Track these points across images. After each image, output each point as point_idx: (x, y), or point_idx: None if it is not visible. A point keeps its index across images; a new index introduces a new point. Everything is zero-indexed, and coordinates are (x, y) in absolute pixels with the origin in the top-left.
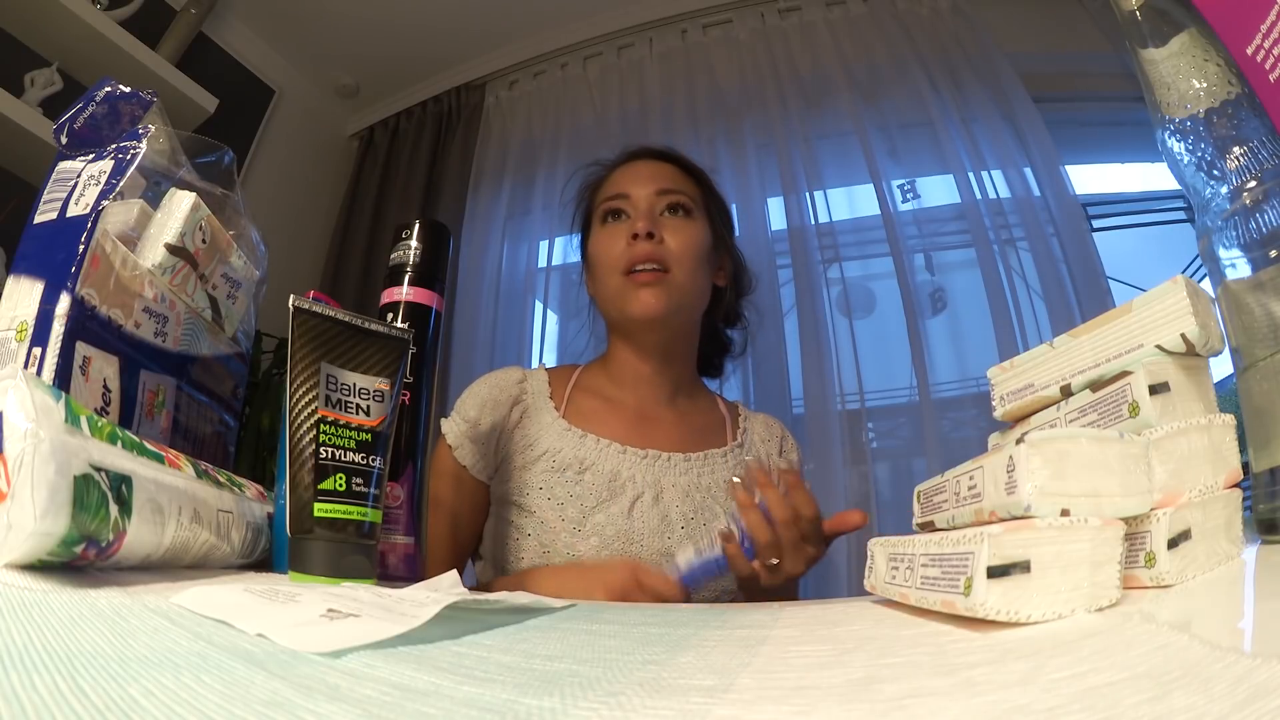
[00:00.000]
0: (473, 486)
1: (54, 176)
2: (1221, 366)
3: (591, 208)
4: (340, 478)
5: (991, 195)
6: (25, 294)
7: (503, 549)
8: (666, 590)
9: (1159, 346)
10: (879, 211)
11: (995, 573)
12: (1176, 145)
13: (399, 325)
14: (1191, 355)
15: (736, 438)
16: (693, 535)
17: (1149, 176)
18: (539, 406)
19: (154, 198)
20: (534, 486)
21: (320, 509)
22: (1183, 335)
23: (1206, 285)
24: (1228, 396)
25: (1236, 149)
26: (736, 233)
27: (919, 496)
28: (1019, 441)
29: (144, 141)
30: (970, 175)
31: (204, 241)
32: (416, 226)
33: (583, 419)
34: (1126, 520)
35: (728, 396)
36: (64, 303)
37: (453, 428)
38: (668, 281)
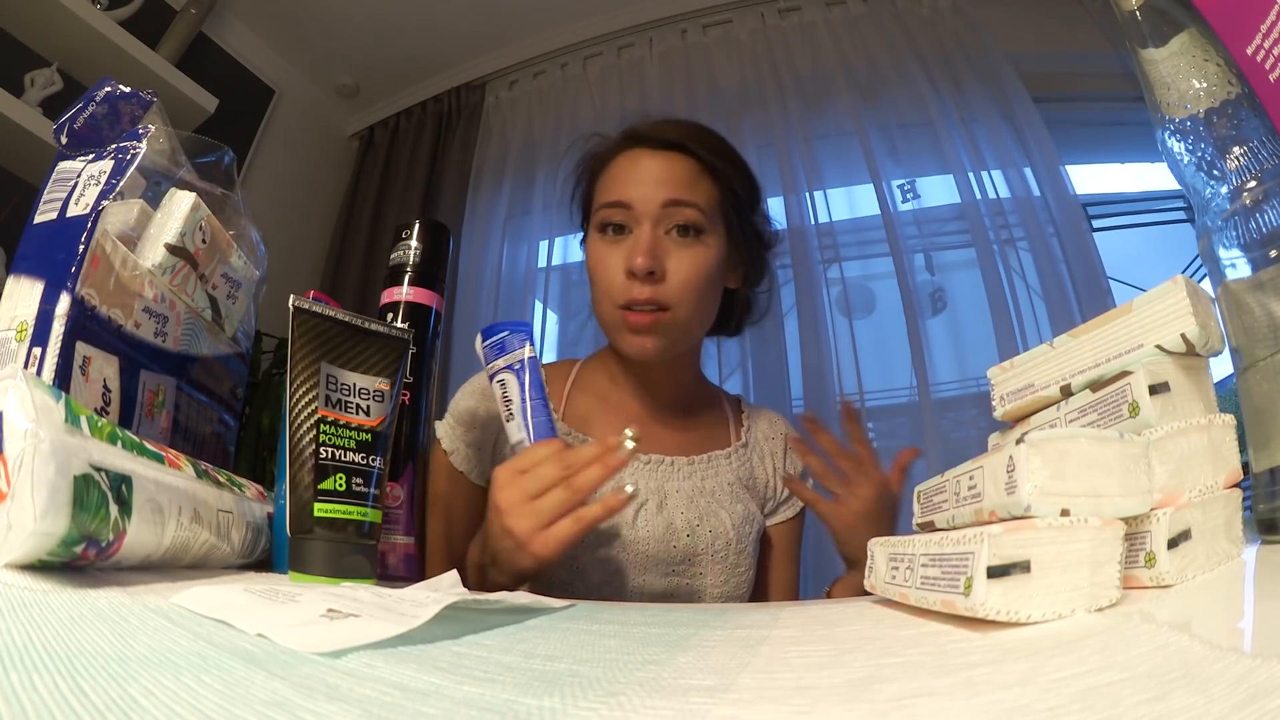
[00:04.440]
0: (469, 490)
1: (54, 176)
2: (1221, 366)
3: (590, 197)
4: (340, 478)
5: (991, 195)
6: (25, 294)
7: None
8: (541, 450)
9: (1159, 346)
10: (879, 211)
11: (995, 573)
12: (1176, 145)
13: (399, 325)
14: (1191, 355)
15: (741, 437)
16: (697, 543)
17: (1149, 176)
18: None
19: (154, 198)
20: None
21: (320, 509)
22: (1183, 335)
23: (1206, 285)
24: (1228, 396)
25: (1236, 149)
26: (761, 202)
27: (919, 496)
28: (1019, 441)
29: (144, 141)
30: (970, 175)
31: (204, 241)
32: (416, 226)
33: (582, 422)
34: (1126, 520)
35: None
36: (64, 303)
37: (447, 431)
38: (665, 323)
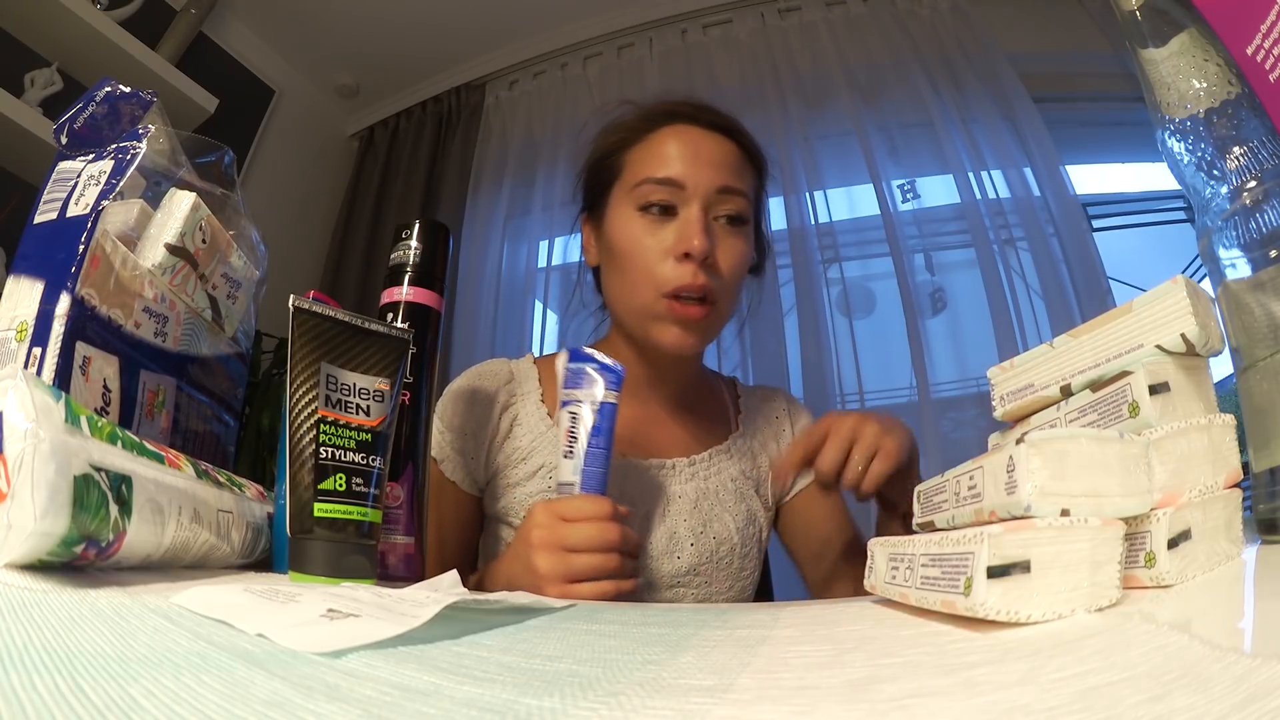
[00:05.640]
0: (458, 497)
1: (54, 176)
2: (1221, 366)
3: (614, 170)
4: (340, 478)
5: (991, 195)
6: (25, 294)
7: None
8: (590, 507)
9: (1159, 346)
10: (879, 211)
11: (995, 573)
12: (1176, 145)
13: (399, 325)
14: (1191, 355)
15: (738, 425)
16: (701, 551)
17: (1149, 176)
18: (529, 412)
19: (154, 198)
20: (528, 506)
21: (320, 509)
22: (1183, 335)
23: (1206, 285)
24: (1228, 396)
25: (1236, 149)
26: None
27: (919, 496)
28: (1019, 441)
29: (144, 141)
30: (970, 175)
31: (204, 241)
32: (416, 226)
33: None
34: (1126, 520)
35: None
36: (64, 303)
37: (436, 439)
38: (710, 318)
